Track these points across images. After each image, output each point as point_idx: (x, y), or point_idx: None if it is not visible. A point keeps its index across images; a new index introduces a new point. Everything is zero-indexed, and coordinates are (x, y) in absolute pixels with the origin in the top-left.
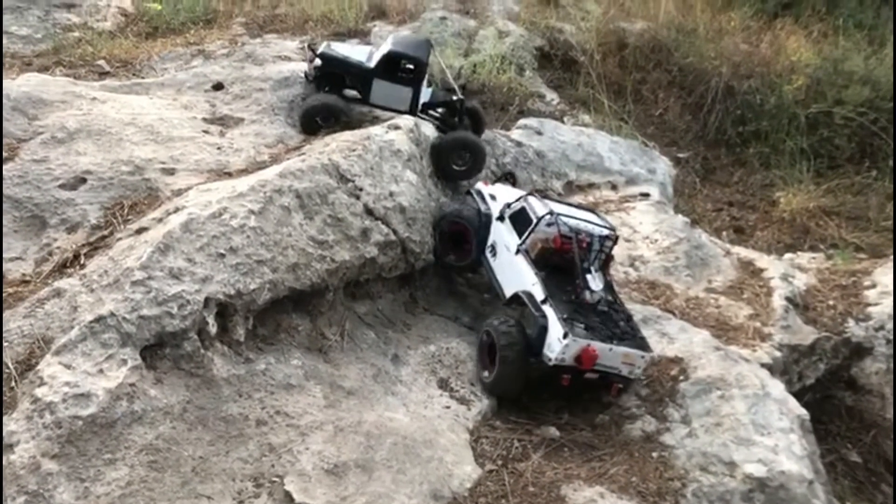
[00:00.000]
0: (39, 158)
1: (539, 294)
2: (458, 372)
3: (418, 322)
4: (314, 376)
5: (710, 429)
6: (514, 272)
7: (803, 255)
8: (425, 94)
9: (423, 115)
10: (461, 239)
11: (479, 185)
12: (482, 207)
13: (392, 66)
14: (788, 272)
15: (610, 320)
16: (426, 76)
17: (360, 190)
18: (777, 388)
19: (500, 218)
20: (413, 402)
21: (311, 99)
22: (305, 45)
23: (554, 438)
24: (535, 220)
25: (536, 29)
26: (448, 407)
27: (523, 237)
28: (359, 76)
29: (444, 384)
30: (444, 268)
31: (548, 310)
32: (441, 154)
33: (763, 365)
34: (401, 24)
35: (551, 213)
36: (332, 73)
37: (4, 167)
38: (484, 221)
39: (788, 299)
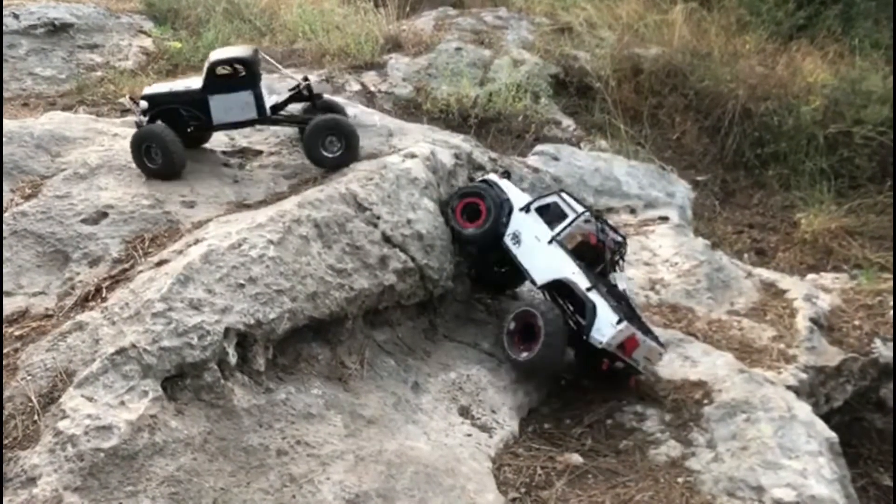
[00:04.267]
0: (62, 194)
1: (584, 282)
2: (479, 399)
3: (438, 349)
4: (334, 405)
5: (737, 453)
6: (548, 260)
7: (826, 276)
8: (270, 98)
9: (278, 119)
10: (474, 213)
11: (493, 176)
12: (499, 193)
13: (221, 75)
14: (812, 293)
15: (633, 316)
16: (260, 77)
17: (378, 218)
18: (804, 410)
19: (526, 209)
20: (434, 431)
21: (136, 131)
22: (127, 97)
23: (578, 465)
24: (572, 216)
25: (551, 57)
26: (469, 435)
27: (560, 228)
28: (192, 101)
29: (465, 412)
30: (459, 241)
31: (595, 297)
32: (311, 140)
33: (789, 387)
34: (416, 55)
35: (589, 209)
36: (164, 111)
37: (28, 203)
38: (501, 204)
39: (813, 320)
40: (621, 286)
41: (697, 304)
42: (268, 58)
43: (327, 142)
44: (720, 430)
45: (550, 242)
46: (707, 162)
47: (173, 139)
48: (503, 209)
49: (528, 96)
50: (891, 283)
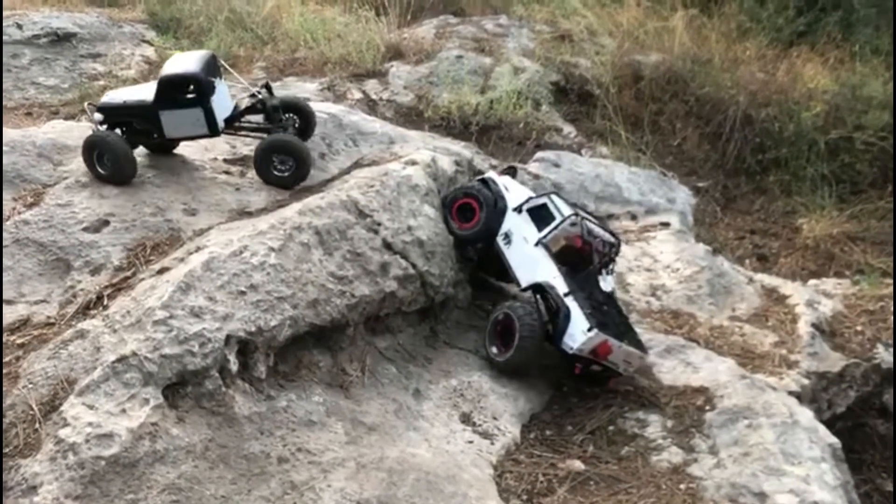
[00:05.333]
0: (64, 203)
1: (562, 287)
2: (480, 406)
3: (439, 356)
4: (335, 412)
5: (739, 459)
6: (533, 263)
7: (828, 282)
8: (225, 109)
9: (235, 132)
10: (469, 213)
11: (492, 174)
12: (496, 192)
13: (171, 91)
14: (814, 298)
15: (616, 320)
16: (214, 90)
17: (379, 225)
18: (806, 416)
19: (518, 210)
20: (435, 437)
21: (88, 136)
22: (86, 103)
23: (579, 472)
24: (559, 218)
25: (552, 64)
26: (471, 441)
27: (545, 232)
28: (144, 116)
29: (466, 418)
30: (456, 244)
31: (571, 302)
32: (260, 160)
33: (791, 393)
34: (418, 63)
35: (577, 214)
36: (119, 123)
37: (30, 212)
38: (497, 203)
39: (815, 326)
40: (607, 288)
41: (699, 310)
42: (227, 66)
43: (277, 161)
44: (722, 437)
45: (536, 245)
46: (708, 168)
47: (123, 148)
48: (497, 208)
49: (529, 103)
50: (893, 289)
